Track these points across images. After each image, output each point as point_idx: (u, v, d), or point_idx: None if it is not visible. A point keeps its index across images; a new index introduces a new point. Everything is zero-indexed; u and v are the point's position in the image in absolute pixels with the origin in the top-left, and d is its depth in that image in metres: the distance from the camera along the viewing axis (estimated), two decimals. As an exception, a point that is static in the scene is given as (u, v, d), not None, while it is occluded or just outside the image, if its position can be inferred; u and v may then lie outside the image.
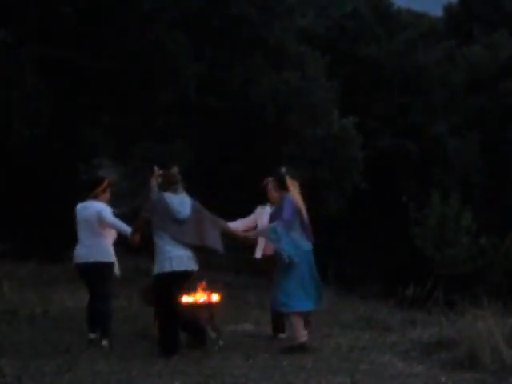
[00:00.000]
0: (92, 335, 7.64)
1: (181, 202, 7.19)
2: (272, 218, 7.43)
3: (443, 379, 6.11)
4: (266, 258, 8.04)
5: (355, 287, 17.66)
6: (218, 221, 7.40)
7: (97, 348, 7.37)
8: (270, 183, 7.88)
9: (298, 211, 7.30)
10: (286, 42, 18.61)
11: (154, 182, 7.53)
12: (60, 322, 8.79)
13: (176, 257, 7.06)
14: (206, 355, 7.10)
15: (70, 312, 9.35)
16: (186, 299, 7.69)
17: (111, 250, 7.82)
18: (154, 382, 5.98)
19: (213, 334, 7.50)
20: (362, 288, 17.31)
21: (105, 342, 7.47)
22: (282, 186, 7.43)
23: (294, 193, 7.37)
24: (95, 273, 7.65)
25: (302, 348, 7.18)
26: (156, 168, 7.58)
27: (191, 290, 7.67)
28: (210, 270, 9.53)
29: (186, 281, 7.25)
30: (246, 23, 17.37)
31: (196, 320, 7.39)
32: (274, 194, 7.73)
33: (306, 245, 7.38)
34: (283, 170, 7.51)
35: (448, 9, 29.63)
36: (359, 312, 10.45)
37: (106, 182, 8.03)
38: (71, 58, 14.59)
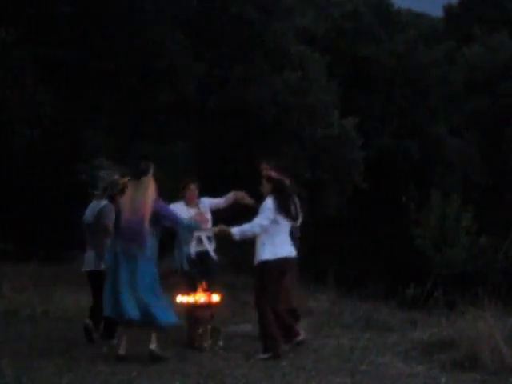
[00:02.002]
0: None
1: (90, 209, 7.82)
2: None
3: (443, 380, 6.11)
4: None
5: (355, 287, 17.63)
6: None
7: (97, 348, 7.38)
8: None
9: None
10: (286, 43, 18.60)
11: None
12: (60, 322, 8.80)
13: None
14: (206, 355, 7.10)
15: (71, 312, 9.35)
16: (186, 299, 7.72)
17: None
18: (154, 383, 5.98)
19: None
20: (362, 288, 17.28)
21: None
22: None
23: (127, 195, 7.12)
24: None
25: (117, 357, 6.87)
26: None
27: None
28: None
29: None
30: (245, 23, 17.36)
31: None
32: None
33: (123, 250, 6.93)
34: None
35: (448, 9, 29.64)
36: (359, 312, 10.43)
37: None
38: (71, 58, 14.57)
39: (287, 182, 7.54)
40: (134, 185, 7.13)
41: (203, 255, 8.04)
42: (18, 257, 14.04)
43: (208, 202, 8.24)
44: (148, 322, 6.87)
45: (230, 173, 17.35)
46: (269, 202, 7.20)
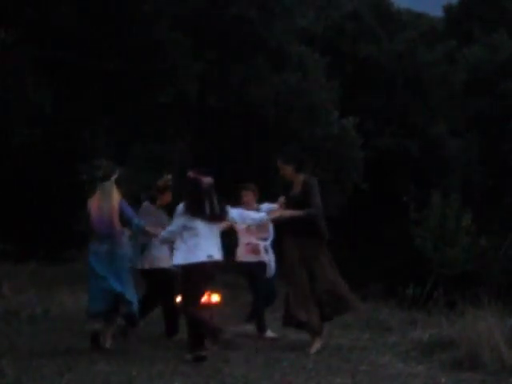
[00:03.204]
0: None
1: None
2: None
3: (443, 380, 6.11)
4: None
5: (355, 287, 17.63)
6: None
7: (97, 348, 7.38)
8: None
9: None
10: (286, 43, 18.61)
11: None
12: (60, 322, 8.79)
13: None
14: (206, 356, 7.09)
15: (70, 312, 9.34)
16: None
17: None
18: (154, 383, 5.98)
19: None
20: (362, 288, 17.31)
21: None
22: None
23: (94, 197, 7.39)
24: None
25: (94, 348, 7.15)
26: None
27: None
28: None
29: None
30: (245, 23, 17.37)
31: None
32: None
33: (98, 249, 7.25)
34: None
35: (448, 9, 29.64)
36: (359, 312, 10.43)
37: None
38: (71, 58, 14.58)
39: (207, 180, 7.04)
40: (99, 188, 7.43)
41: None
42: (18, 257, 14.04)
43: (266, 208, 7.94)
44: (122, 309, 7.21)
45: (230, 173, 17.36)
46: (180, 207, 7.03)
